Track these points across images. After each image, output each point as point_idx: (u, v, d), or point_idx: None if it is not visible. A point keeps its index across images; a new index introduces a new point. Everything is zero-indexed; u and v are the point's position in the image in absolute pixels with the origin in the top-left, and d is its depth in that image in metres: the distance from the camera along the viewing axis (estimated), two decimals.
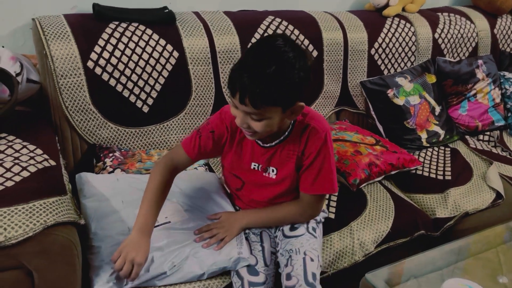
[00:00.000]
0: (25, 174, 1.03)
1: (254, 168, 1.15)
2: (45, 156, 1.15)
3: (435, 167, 1.66)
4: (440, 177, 1.60)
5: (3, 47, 1.38)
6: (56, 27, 1.38)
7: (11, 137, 1.18)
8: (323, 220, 1.27)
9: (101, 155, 1.40)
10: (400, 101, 1.82)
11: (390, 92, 1.82)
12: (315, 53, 1.75)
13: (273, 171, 1.14)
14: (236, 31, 1.62)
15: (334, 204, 1.40)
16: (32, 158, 1.11)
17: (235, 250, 1.06)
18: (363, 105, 1.91)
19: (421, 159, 1.71)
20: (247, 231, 1.17)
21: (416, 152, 1.77)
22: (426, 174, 1.62)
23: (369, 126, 1.90)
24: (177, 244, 1.07)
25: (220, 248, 1.07)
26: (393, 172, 1.58)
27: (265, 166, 1.13)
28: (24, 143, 1.16)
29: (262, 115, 0.95)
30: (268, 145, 1.11)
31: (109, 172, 1.33)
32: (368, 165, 1.50)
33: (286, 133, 1.10)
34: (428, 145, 1.81)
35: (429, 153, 1.77)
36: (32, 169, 1.06)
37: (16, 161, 1.08)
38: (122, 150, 1.45)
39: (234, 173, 1.18)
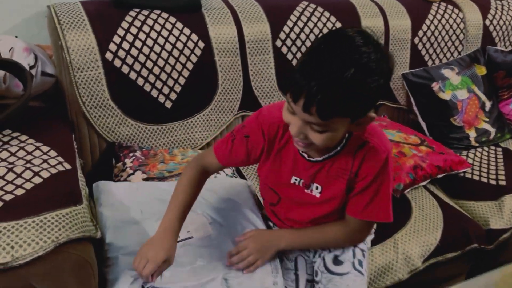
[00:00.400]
0: (37, 180, 0.93)
1: (294, 182, 0.99)
2: (60, 158, 1.04)
3: (486, 170, 1.49)
4: (493, 182, 1.44)
5: (16, 37, 1.28)
6: (73, 15, 1.26)
7: (23, 137, 1.08)
8: (369, 246, 1.12)
9: (121, 154, 1.30)
10: (446, 95, 1.65)
11: (435, 86, 1.65)
12: None
13: (317, 188, 0.98)
14: (267, 18, 1.47)
15: None
16: (45, 161, 1.00)
17: (270, 278, 0.93)
18: (405, 99, 1.75)
19: (470, 161, 1.54)
20: (280, 254, 1.03)
21: (464, 152, 1.61)
22: (476, 178, 1.46)
23: (410, 123, 1.74)
24: (200, 264, 0.95)
25: (250, 272, 0.94)
26: (439, 176, 1.42)
27: (309, 182, 0.98)
28: (37, 144, 1.06)
29: (327, 127, 0.79)
30: (314, 159, 0.95)
31: (130, 174, 1.23)
32: (413, 168, 1.35)
33: (339, 148, 0.93)
34: (477, 144, 1.64)
35: (478, 154, 1.60)
36: (45, 174, 0.95)
37: (28, 165, 0.97)
38: (143, 149, 1.35)
39: (270, 186, 1.04)
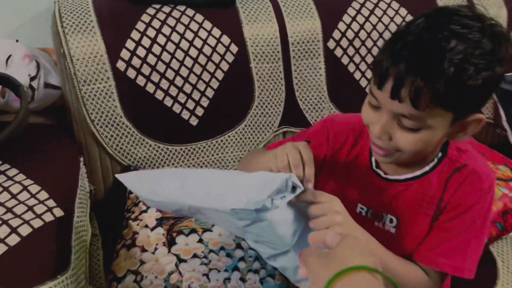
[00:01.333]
0: (12, 240, 0.73)
1: (360, 212, 0.77)
2: (51, 203, 0.84)
3: None
4: None
5: (17, 41, 1.08)
6: (79, 14, 1.04)
7: (12, 172, 0.89)
8: None
9: None
10: None
11: None
12: None
13: (391, 221, 0.76)
14: (317, 13, 1.18)
15: None
16: (30, 208, 0.81)
17: None
18: (492, 111, 1.40)
19: None
20: None
21: None
22: None
23: (495, 140, 1.40)
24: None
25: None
26: None
27: (380, 211, 0.75)
28: (26, 182, 0.87)
29: (421, 122, 0.62)
30: (393, 178, 0.74)
31: (142, 212, 1.02)
32: (501, 215, 1.04)
33: (427, 167, 0.72)
34: None
35: None
36: (25, 230, 0.76)
37: (7, 215, 0.78)
38: None
39: None
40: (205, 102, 1.14)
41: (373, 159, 0.78)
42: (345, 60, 1.22)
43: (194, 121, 1.14)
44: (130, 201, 1.08)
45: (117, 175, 0.82)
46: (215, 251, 0.93)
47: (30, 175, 0.89)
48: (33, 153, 0.97)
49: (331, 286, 0.43)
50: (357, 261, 0.46)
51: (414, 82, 0.58)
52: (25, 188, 0.86)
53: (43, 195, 0.86)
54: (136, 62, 1.05)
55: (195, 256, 0.92)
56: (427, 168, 0.72)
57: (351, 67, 1.22)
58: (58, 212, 0.84)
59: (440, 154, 0.73)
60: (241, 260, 0.92)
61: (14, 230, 0.75)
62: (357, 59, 1.22)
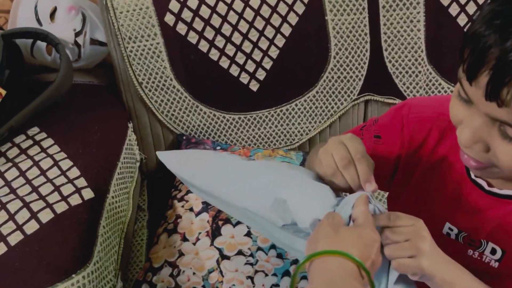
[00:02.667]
0: (30, 227, 0.65)
1: (448, 234, 0.57)
2: (81, 181, 0.75)
3: None
4: None
5: None
6: None
7: (47, 142, 0.81)
8: None
9: None
10: None
11: None
12: None
13: (493, 252, 0.54)
14: None
15: None
16: (57, 188, 0.72)
17: None
18: None
19: None
20: None
21: None
22: None
23: None
24: None
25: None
26: None
27: (478, 237, 0.54)
28: (59, 156, 0.78)
29: None
30: (503, 192, 0.52)
31: (189, 191, 0.90)
32: None
33: None
34: None
35: None
36: (46, 216, 0.67)
37: (31, 196, 0.70)
38: (218, 148, 0.99)
39: None
40: (268, 64, 0.95)
41: None
42: (453, 10, 0.92)
43: (254, 86, 0.97)
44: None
45: (158, 153, 0.70)
46: (264, 250, 0.78)
47: (64, 147, 0.80)
48: (74, 120, 0.89)
49: (310, 261, 0.42)
50: (356, 253, 0.42)
51: None
52: (56, 163, 0.77)
53: (74, 172, 0.76)
54: (187, 15, 0.89)
55: (240, 253, 0.78)
56: None
57: (462, 20, 0.93)
58: (87, 194, 0.74)
59: None
60: (294, 263, 0.77)
61: (34, 215, 0.67)
62: (471, 8, 0.92)
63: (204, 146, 0.98)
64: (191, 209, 0.86)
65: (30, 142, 0.81)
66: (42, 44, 0.94)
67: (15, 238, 0.63)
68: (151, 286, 0.77)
